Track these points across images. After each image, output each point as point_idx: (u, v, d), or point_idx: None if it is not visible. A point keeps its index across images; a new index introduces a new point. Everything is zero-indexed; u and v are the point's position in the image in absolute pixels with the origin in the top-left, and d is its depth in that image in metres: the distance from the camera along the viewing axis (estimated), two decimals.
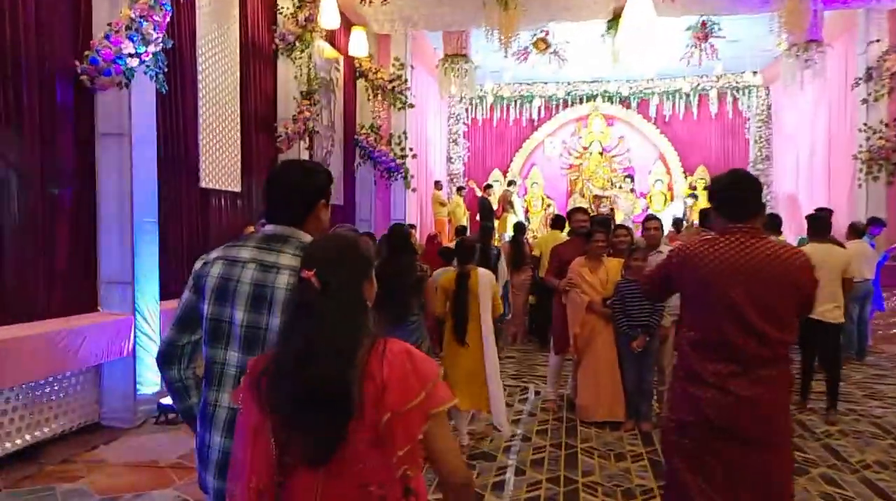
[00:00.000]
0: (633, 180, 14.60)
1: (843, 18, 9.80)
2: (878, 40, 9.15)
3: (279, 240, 1.73)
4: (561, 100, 15.40)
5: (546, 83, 14.61)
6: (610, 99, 15.16)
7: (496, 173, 15.19)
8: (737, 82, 14.49)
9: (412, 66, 10.44)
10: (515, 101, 15.54)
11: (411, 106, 10.33)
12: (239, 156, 6.55)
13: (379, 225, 10.51)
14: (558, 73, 14.20)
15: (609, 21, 9.42)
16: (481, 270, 4.51)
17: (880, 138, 9.10)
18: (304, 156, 7.66)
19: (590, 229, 5.12)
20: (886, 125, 9.10)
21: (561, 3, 8.88)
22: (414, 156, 10.42)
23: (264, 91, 7.28)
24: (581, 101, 15.29)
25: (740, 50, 12.04)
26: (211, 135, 6.01)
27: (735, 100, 14.78)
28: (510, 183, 13.76)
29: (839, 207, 10.52)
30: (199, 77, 5.85)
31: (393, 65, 10.28)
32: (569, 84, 15.17)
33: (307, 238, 1.74)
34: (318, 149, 8.58)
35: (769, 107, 14.49)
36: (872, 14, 9.22)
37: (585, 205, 14.76)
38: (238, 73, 6.61)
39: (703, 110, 14.89)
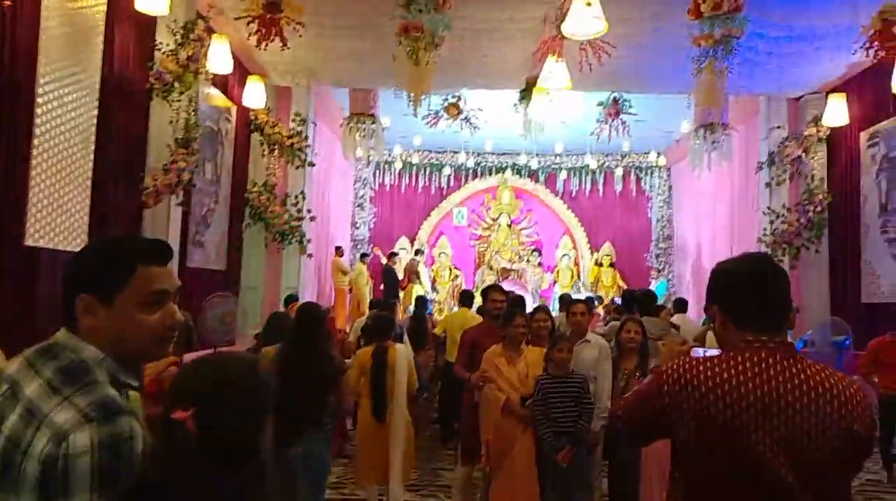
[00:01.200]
0: (540, 254, 14.31)
1: (746, 104, 10.06)
2: (778, 126, 9.37)
3: (45, 355, 1.15)
4: (471, 170, 15.10)
5: (456, 152, 14.25)
6: (519, 171, 15.01)
7: (403, 241, 14.47)
8: (640, 162, 14.78)
9: (314, 123, 9.65)
10: (425, 169, 15.08)
11: (311, 164, 9.49)
12: (87, 210, 5.38)
13: (268, 293, 9.39)
14: (469, 142, 13.92)
15: (522, 91, 9.14)
16: (398, 345, 4.52)
17: (783, 222, 9.17)
18: (176, 212, 6.55)
19: (508, 311, 4.38)
20: (788, 209, 9.20)
21: (475, 68, 8.48)
22: (312, 219, 9.48)
23: (131, 135, 6.19)
24: (491, 173, 15.05)
25: (645, 130, 12.21)
26: (47, 184, 4.86)
27: (639, 179, 15.04)
28: (417, 252, 13.05)
29: None
30: (37, 113, 4.74)
31: (293, 119, 9.46)
32: (479, 154, 14.91)
33: (87, 352, 1.15)
34: (197, 205, 7.48)
35: (670, 188, 14.84)
36: (773, 101, 9.48)
37: (493, 278, 14.30)
38: (96, 112, 5.53)
39: (608, 187, 15.03)
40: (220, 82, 8.04)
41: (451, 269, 14.55)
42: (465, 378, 4.29)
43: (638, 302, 6.47)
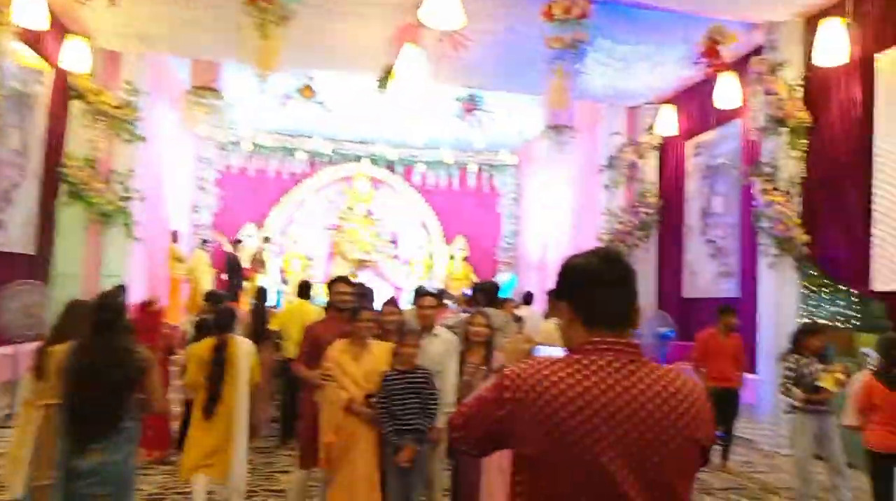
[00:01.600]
0: (396, 246, 14.22)
1: (590, 110, 10.63)
2: (617, 133, 10.01)
3: None
4: (327, 157, 14.60)
5: (311, 137, 13.70)
6: (376, 161, 14.78)
7: (250, 228, 13.65)
8: (493, 160, 15.18)
9: (148, 94, 8.71)
10: (277, 152, 14.33)
11: (142, 139, 8.56)
12: None
13: (88, 281, 8.35)
14: (325, 128, 13.46)
15: (380, 79, 8.92)
16: (240, 338, 4.41)
17: (619, 222, 9.82)
18: None
19: (356, 305, 4.17)
20: (624, 211, 9.87)
21: (328, 49, 8.12)
22: (141, 200, 8.57)
23: None
24: (348, 161, 14.66)
25: (498, 128, 12.55)
26: None
27: (491, 176, 15.45)
28: (265, 239, 12.34)
29: None
30: None
31: (123, 89, 8.48)
32: (336, 141, 14.46)
33: None
34: None
35: (519, 187, 15.41)
36: (614, 109, 10.10)
37: (349, 269, 13.97)
38: None
39: (463, 182, 15.27)
40: (32, 39, 6.98)
41: (303, 260, 13.99)
42: (305, 376, 4.01)
43: (484, 293, 6.56)
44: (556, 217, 12.66)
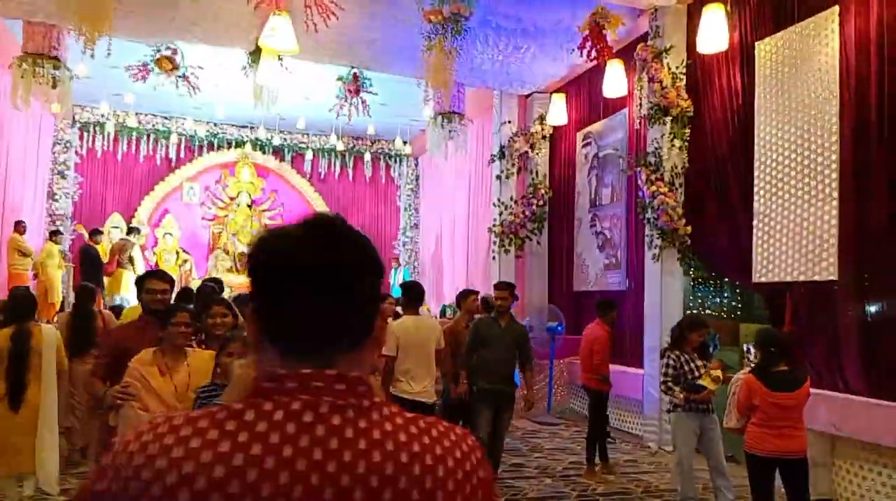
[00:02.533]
0: None
1: (482, 98, 10.24)
2: (509, 121, 9.67)
3: None
4: (206, 142, 13.46)
5: (185, 118, 12.53)
6: (262, 148, 13.80)
7: (116, 218, 12.33)
8: (389, 149, 14.57)
9: None
10: (148, 135, 13.04)
11: None
12: None
13: None
14: (199, 108, 12.33)
15: (251, 53, 8.10)
16: (44, 326, 4.37)
17: (511, 213, 9.50)
18: None
19: (170, 305, 3.47)
20: (515, 202, 9.55)
21: (189, 15, 7.20)
22: None
23: None
24: (229, 146, 13.58)
25: (391, 116, 11.95)
26: None
27: (388, 166, 14.84)
28: (131, 230, 11.11)
29: (476, 277, 10.79)
30: None
31: None
32: (214, 125, 13.35)
33: None
34: None
35: (417, 178, 14.90)
36: (506, 97, 9.75)
37: (229, 264, 12.96)
38: None
39: (358, 172, 14.57)
40: None
41: (179, 253, 12.82)
42: (97, 392, 3.27)
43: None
44: (452, 209, 12.25)
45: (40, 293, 9.48)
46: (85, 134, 12.73)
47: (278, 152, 13.97)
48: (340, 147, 13.79)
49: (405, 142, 13.31)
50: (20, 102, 7.29)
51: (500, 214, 9.56)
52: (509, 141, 9.61)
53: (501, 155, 9.62)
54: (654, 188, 6.90)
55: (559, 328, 8.63)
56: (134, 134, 12.95)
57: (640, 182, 7.17)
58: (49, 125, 12.26)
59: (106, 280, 9.88)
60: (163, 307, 3.46)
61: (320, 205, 14.08)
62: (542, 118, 9.52)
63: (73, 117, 12.57)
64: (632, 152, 7.67)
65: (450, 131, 9.08)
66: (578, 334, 9.08)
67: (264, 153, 13.78)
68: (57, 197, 12.40)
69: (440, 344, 5.05)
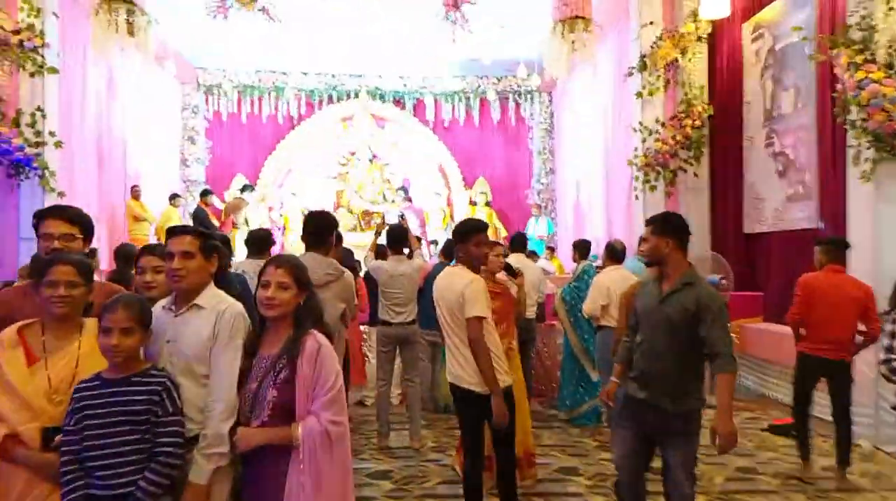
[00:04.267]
0: (407, 193, 12.38)
1: (613, 1, 8.31)
2: (651, 22, 7.68)
3: None
4: (325, 95, 12.85)
5: (305, 74, 11.89)
6: (381, 97, 12.90)
7: (240, 180, 12.14)
8: (517, 85, 12.96)
9: (55, 15, 7.12)
10: (269, 94, 12.69)
11: (52, 70, 7.04)
12: None
13: (5, 244, 7.07)
14: (316, 61, 11.67)
15: None
16: None
17: (657, 140, 7.60)
18: None
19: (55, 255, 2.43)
20: (663, 124, 7.62)
21: None
22: (58, 145, 7.10)
23: None
24: (348, 97, 12.85)
25: (513, 40, 10.35)
26: None
27: (517, 105, 13.25)
28: (245, 188, 10.75)
29: (616, 222, 9.03)
30: None
31: (22, 8, 6.93)
32: (332, 76, 12.67)
33: None
34: None
35: (552, 115, 13.15)
36: None
37: (353, 223, 12.33)
38: None
39: (485, 116, 13.17)
40: None
41: (303, 213, 12.38)
42: None
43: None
44: (589, 144, 10.45)
45: None
46: (210, 97, 12.68)
47: (399, 100, 12.99)
48: (459, 87, 12.44)
49: (529, 75, 11.50)
50: (99, 50, 6.84)
51: (644, 141, 7.70)
52: (652, 47, 7.64)
53: (643, 66, 7.69)
54: (861, 75, 4.77)
55: (723, 282, 6.70)
56: (256, 93, 12.67)
57: (837, 70, 5.04)
58: (177, 90, 12.34)
59: None
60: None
61: (445, 157, 12.94)
62: (694, 14, 7.42)
63: (197, 80, 12.55)
64: (824, 31, 5.48)
65: (573, 42, 7.34)
66: (751, 290, 7.09)
67: (383, 102, 12.86)
68: (188, 163, 12.53)
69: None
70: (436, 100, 12.99)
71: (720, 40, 7.58)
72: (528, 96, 13.15)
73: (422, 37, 10.38)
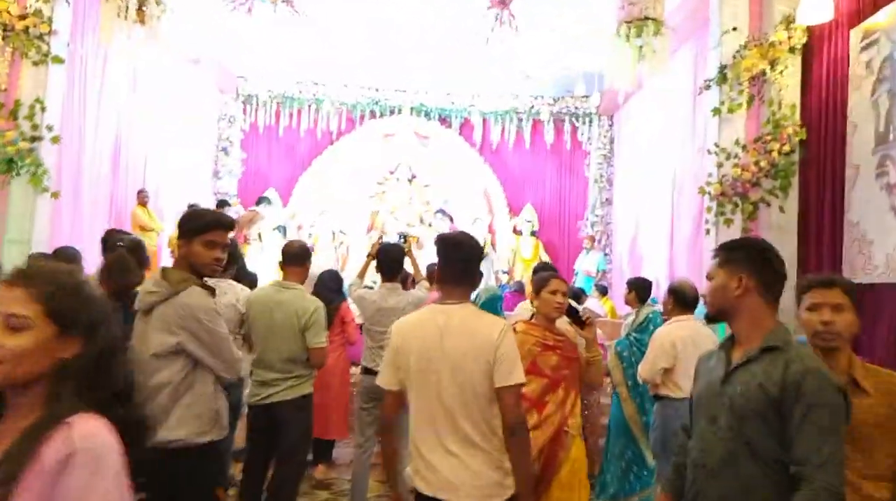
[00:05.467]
0: (447, 216, 11.42)
1: (692, 3, 7.21)
2: (734, 28, 6.53)
3: None
4: (367, 110, 12.11)
5: (345, 86, 11.15)
6: (426, 114, 12.06)
7: (271, 194, 11.44)
8: (574, 107, 11.92)
9: (67, 1, 6.53)
10: (309, 106, 12.04)
11: (57, 60, 6.43)
12: None
13: None
14: (359, 73, 10.93)
15: None
16: None
17: (735, 165, 6.39)
18: None
19: None
20: (744, 148, 6.40)
21: None
22: (55, 141, 6.44)
23: None
24: (391, 113, 12.07)
25: (571, 53, 9.34)
26: None
27: (574, 128, 12.18)
28: (260, 200, 9.93)
29: (681, 261, 7.77)
30: None
31: None
32: (375, 90, 11.93)
33: None
34: None
35: (612, 141, 12.00)
36: None
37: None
38: None
39: (537, 138, 12.15)
40: None
41: (335, 234, 11.60)
42: None
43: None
44: (652, 171, 9.26)
45: None
46: (248, 107, 12.12)
47: (444, 119, 12.13)
48: (508, 106, 11.48)
49: (586, 97, 10.43)
50: (107, 39, 6.20)
51: (720, 166, 6.50)
52: (735, 57, 6.47)
53: (722, 78, 6.52)
54: None
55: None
56: (295, 104, 12.05)
57: None
58: (215, 99, 11.85)
59: None
60: None
61: (490, 180, 11.95)
62: (787, 20, 6.25)
63: (237, 89, 12.03)
64: None
65: (641, 47, 6.27)
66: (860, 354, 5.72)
67: (429, 119, 12.02)
68: (220, 174, 11.95)
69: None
70: (484, 120, 12.07)
71: (818, 50, 6.34)
72: (587, 119, 12.07)
73: (471, 52, 9.54)
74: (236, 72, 11.71)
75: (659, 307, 4.98)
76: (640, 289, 4.62)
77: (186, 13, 8.17)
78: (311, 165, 11.89)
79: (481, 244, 2.46)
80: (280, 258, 3.48)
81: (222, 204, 9.33)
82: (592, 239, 11.31)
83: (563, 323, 2.94)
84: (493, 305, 4.33)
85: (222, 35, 9.66)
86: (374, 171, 11.86)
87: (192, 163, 10.88)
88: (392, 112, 12.03)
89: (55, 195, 6.54)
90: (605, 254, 11.53)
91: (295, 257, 3.43)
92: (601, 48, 8.26)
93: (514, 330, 2.54)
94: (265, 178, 12.05)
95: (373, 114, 12.11)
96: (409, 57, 10.21)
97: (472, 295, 4.33)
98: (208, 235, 2.48)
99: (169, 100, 9.90)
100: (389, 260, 3.85)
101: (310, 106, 12.05)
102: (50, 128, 6.42)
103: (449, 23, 8.52)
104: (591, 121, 12.07)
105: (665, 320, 4.26)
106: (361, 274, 4.07)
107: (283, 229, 10.31)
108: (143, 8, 6.29)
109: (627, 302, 4.73)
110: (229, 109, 12.01)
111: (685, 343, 3.51)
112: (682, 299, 3.95)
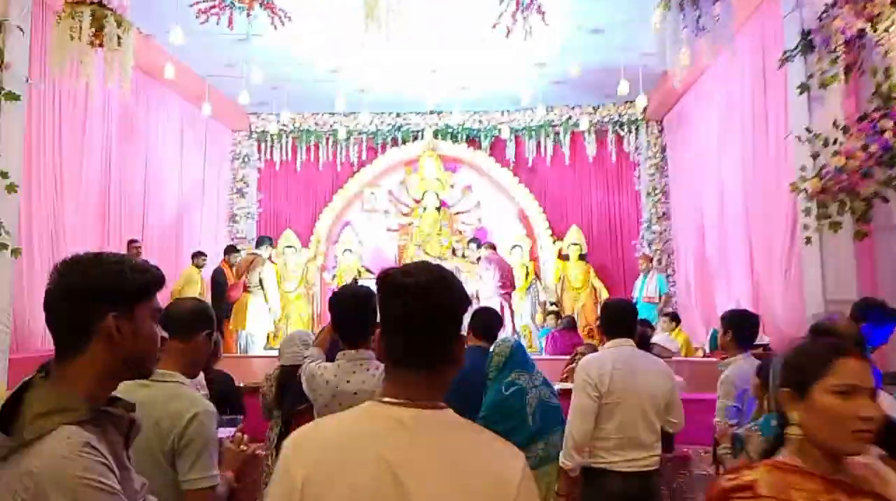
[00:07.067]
0: (479, 244, 10.17)
1: None
2: None
3: None
4: (388, 138, 11.11)
5: (358, 112, 10.14)
6: (453, 136, 10.97)
7: (289, 235, 10.46)
8: (618, 114, 10.64)
9: (20, 29, 5.70)
10: (327, 139, 11.12)
11: (11, 96, 5.56)
12: None
13: None
14: (379, 100, 9.93)
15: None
16: None
17: (835, 153, 4.99)
18: None
19: None
20: (845, 130, 5.01)
21: None
22: (11, 189, 5.54)
23: None
24: (414, 139, 11.03)
25: (613, 52, 8.10)
26: None
27: (619, 137, 10.86)
28: (260, 241, 8.80)
29: (771, 280, 6.31)
30: None
31: None
32: (396, 115, 10.94)
33: None
34: None
35: (664, 149, 10.62)
36: None
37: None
38: None
39: (577, 151, 10.87)
40: None
41: (360, 272, 10.49)
42: None
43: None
44: (718, 173, 7.85)
45: None
46: (262, 145, 11.29)
47: (473, 140, 11.01)
48: (541, 117, 10.24)
49: (631, 102, 9.08)
50: (56, 65, 5.33)
51: (815, 157, 5.10)
52: (821, 19, 5.13)
53: (808, 46, 5.16)
54: None
55: None
56: (312, 138, 11.15)
57: None
58: (227, 138, 11.09)
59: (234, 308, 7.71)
60: None
61: (528, 202, 10.71)
62: None
63: (250, 126, 11.23)
64: None
65: (698, 18, 4.99)
66: None
67: (455, 141, 10.92)
68: (237, 218, 11.09)
69: None
70: (517, 136, 10.89)
71: None
72: (633, 126, 10.74)
73: (496, 60, 8.45)
74: (249, 108, 10.91)
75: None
76: (740, 327, 3.24)
77: (183, 52, 7.45)
78: (331, 201, 10.90)
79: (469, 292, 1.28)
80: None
81: (230, 249, 8.37)
82: (650, 259, 9.82)
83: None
84: (521, 359, 3.11)
85: (227, 71, 8.88)
86: (398, 202, 10.79)
87: (205, 208, 10.05)
88: (415, 137, 10.99)
89: (16, 252, 5.62)
90: (668, 276, 10.05)
91: (180, 324, 2.00)
92: (645, 37, 7.08)
93: (750, 481, 1.30)
94: (285, 218, 11.12)
95: (395, 142, 11.10)
96: (431, 77, 9.19)
97: (486, 356, 3.20)
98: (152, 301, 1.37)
99: (173, 141, 9.14)
100: (346, 315, 2.62)
101: (328, 138, 11.12)
102: (5, 175, 5.53)
103: (468, 28, 7.44)
104: (637, 129, 10.74)
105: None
106: (320, 342, 2.82)
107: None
108: (102, 27, 5.39)
109: (723, 347, 3.35)
110: (243, 148, 11.20)
111: None
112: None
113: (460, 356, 1.24)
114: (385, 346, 1.24)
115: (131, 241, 7.27)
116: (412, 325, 1.20)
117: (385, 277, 1.26)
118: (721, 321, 3.34)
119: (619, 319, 3.05)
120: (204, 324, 2.08)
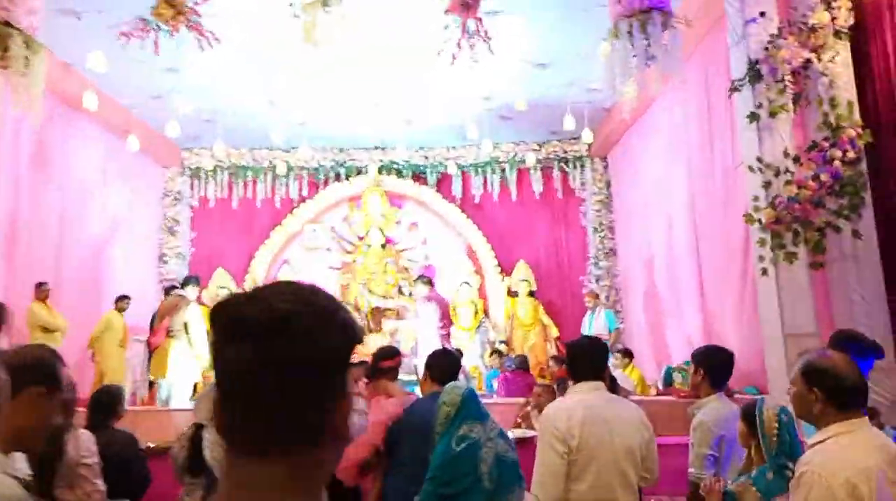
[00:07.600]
0: (430, 284, 9.76)
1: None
2: (762, 14, 5.17)
3: None
4: (331, 174, 10.71)
5: (296, 147, 9.71)
6: (398, 172, 10.67)
7: (221, 275, 9.83)
8: (564, 151, 10.60)
9: None
10: (265, 173, 10.62)
11: None
12: None
13: None
14: (322, 136, 9.55)
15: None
16: None
17: (788, 182, 4.89)
18: None
19: None
20: (796, 159, 4.93)
21: None
22: None
23: None
24: (358, 173, 10.66)
25: (558, 87, 8.04)
26: None
27: (564, 174, 10.79)
28: (186, 281, 8.12)
29: (724, 317, 6.16)
30: None
31: None
32: (339, 150, 10.58)
33: None
34: None
35: (608, 184, 10.60)
36: None
37: (361, 322, 9.72)
38: None
39: (524, 187, 10.74)
40: None
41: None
42: None
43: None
44: (665, 207, 7.78)
45: (96, 382, 6.93)
46: (196, 181, 10.70)
47: (419, 175, 10.74)
48: (488, 154, 10.04)
49: (574, 137, 8.99)
50: None
51: (767, 187, 5.00)
52: (768, 48, 5.09)
53: (756, 76, 5.11)
54: None
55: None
56: (249, 174, 10.64)
57: None
58: (158, 176, 10.45)
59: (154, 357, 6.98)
60: None
61: (476, 238, 10.45)
62: None
63: (182, 163, 10.64)
64: None
65: (647, 43, 4.87)
66: None
67: (400, 176, 10.61)
68: (166, 258, 10.37)
69: None
70: (463, 173, 10.69)
71: (872, 31, 5.01)
72: (578, 162, 10.70)
73: (440, 95, 8.27)
74: (181, 144, 10.33)
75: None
76: (713, 366, 2.92)
77: (106, 81, 6.91)
78: (269, 237, 10.35)
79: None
80: None
81: (169, 290, 7.68)
82: (596, 295, 9.58)
83: None
84: (474, 409, 2.72)
85: (155, 102, 8.36)
86: (341, 239, 10.34)
87: (131, 247, 9.32)
88: (359, 172, 10.63)
89: None
90: (617, 313, 9.88)
91: None
92: (591, 72, 7.01)
93: None
94: (219, 257, 10.45)
95: (338, 177, 10.70)
96: (375, 112, 8.90)
97: (438, 400, 2.78)
98: None
99: (94, 176, 8.48)
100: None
101: (266, 174, 10.63)
102: None
103: (412, 59, 7.22)
104: (583, 165, 10.71)
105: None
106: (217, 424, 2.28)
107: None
108: (7, 51, 4.85)
109: (694, 387, 3.05)
110: (174, 185, 10.57)
111: (861, 474, 1.80)
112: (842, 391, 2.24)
113: (343, 429, 0.83)
114: (219, 423, 0.82)
115: (39, 284, 6.52)
116: (257, 385, 0.78)
117: (219, 309, 0.83)
118: (692, 358, 3.04)
119: (589, 359, 2.71)
120: (31, 377, 1.53)
